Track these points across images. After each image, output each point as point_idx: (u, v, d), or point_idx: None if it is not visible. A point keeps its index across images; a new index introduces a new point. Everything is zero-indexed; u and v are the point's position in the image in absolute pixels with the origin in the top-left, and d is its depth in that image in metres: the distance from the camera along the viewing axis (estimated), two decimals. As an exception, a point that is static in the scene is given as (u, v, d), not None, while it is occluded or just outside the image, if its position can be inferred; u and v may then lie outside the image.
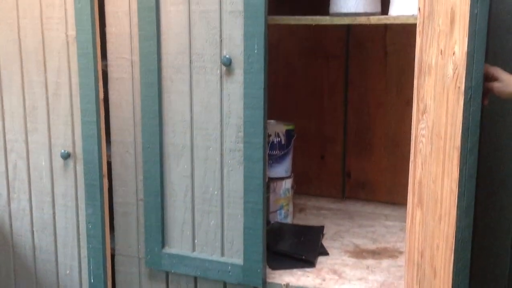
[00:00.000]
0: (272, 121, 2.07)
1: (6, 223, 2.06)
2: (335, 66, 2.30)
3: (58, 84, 1.88)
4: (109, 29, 1.82)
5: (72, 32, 1.81)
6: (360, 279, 1.74)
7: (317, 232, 2.02)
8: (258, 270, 1.73)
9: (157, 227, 1.84)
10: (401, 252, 1.89)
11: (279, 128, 2.08)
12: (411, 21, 1.60)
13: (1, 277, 2.10)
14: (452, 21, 1.28)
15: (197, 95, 1.73)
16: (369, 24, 1.71)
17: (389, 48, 2.20)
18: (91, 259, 1.92)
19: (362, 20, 1.70)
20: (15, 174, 2.01)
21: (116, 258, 1.96)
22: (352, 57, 2.27)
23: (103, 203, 1.88)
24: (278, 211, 2.09)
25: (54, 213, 1.98)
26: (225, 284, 1.81)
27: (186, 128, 1.77)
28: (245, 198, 1.72)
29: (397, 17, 1.67)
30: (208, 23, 1.68)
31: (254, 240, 1.72)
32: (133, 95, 1.83)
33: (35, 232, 2.03)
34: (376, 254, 1.89)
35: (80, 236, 1.95)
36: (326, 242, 1.96)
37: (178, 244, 1.85)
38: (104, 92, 1.85)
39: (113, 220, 1.94)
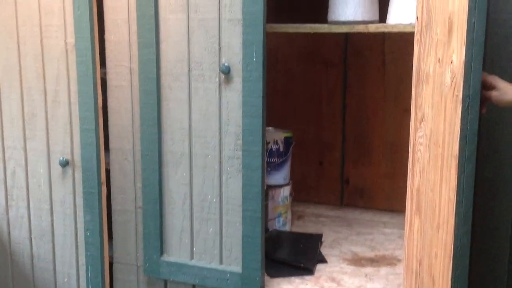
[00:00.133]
0: (270, 128, 2.07)
1: (4, 231, 2.06)
2: (333, 73, 2.31)
3: (57, 91, 1.88)
4: (108, 37, 1.83)
5: (71, 40, 1.82)
6: (359, 287, 1.73)
7: (316, 239, 2.02)
8: (257, 278, 1.73)
9: (156, 234, 1.84)
10: (399, 260, 1.89)
11: (277, 136, 2.08)
12: (409, 29, 1.61)
13: (-1, 284, 2.10)
14: (449, 30, 1.28)
15: (195, 103, 1.74)
16: (367, 32, 1.72)
17: (387, 56, 2.21)
18: (89, 267, 1.91)
19: (360, 28, 1.71)
20: (14, 182, 2.01)
21: (115, 266, 1.96)
22: (351, 64, 2.28)
23: (101, 210, 1.88)
24: (276, 219, 2.09)
25: (52, 220, 1.98)
26: (223, 292, 1.81)
27: (184, 135, 1.77)
28: (243, 206, 1.72)
29: (395, 25, 1.68)
30: (207, 31, 1.68)
31: (252, 248, 1.72)
32: (132, 102, 1.83)
33: (33, 240, 2.02)
34: (374, 261, 1.89)
35: (78, 244, 1.95)
36: (324, 250, 1.96)
37: (177, 252, 1.84)
38: (103, 99, 1.85)
39: (111, 228, 1.94)
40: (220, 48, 1.68)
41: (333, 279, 1.78)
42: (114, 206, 1.92)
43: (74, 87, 1.84)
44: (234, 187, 1.73)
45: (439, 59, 1.34)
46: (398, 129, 2.22)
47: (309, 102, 2.36)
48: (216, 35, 1.67)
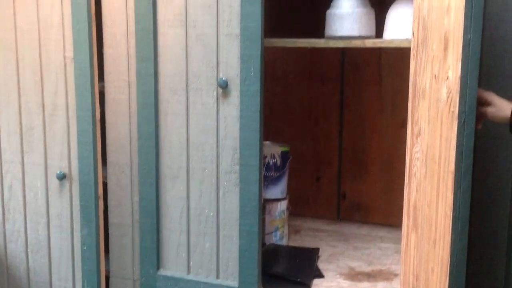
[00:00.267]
0: (267, 142, 2.08)
1: (1, 244, 2.05)
2: (330, 88, 2.32)
3: (55, 105, 1.88)
4: (106, 51, 1.84)
5: (69, 53, 1.82)
6: (356, 302, 1.73)
7: (313, 254, 2.01)
8: (253, 293, 1.72)
9: (152, 248, 1.84)
10: (396, 275, 1.88)
11: (274, 150, 2.09)
12: (405, 44, 1.62)
13: (-6, 298, 2.09)
14: (445, 47, 1.30)
15: (193, 116, 1.74)
16: (364, 48, 1.73)
17: (384, 71, 2.22)
18: (85, 281, 1.91)
19: (357, 43, 1.72)
20: (11, 195, 2.01)
21: (111, 280, 1.95)
22: (347, 79, 2.29)
23: (98, 224, 1.87)
24: (273, 233, 2.08)
25: (49, 234, 1.98)
26: (220, 307, 1.80)
27: (182, 149, 1.78)
28: (240, 220, 1.72)
29: (392, 40, 1.69)
30: (205, 45, 1.69)
31: (249, 263, 1.72)
32: (129, 116, 1.84)
33: (29, 253, 2.02)
34: (371, 276, 1.89)
35: (75, 258, 1.94)
36: (321, 265, 1.96)
37: (173, 266, 1.84)
38: (100, 113, 1.85)
39: (108, 242, 1.94)
40: (218, 63, 1.69)
41: (330, 294, 1.78)
42: (111, 220, 1.92)
43: (72, 101, 1.85)
44: (231, 201, 1.73)
45: (435, 75, 1.35)
46: (394, 144, 2.22)
47: (306, 116, 2.37)
48: (214, 50, 1.68)
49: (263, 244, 1.95)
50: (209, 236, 1.78)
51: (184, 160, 1.78)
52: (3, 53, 1.92)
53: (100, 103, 1.85)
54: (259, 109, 1.65)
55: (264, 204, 2.02)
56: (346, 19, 1.75)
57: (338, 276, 1.89)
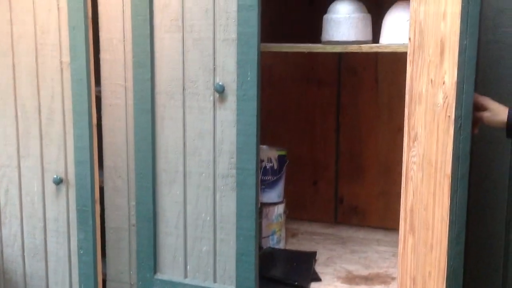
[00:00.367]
0: (264, 146, 2.08)
1: (-3, 249, 2.05)
2: (327, 92, 2.32)
3: (51, 109, 1.88)
4: (103, 56, 1.84)
5: (66, 58, 1.82)
6: (353, 305, 1.73)
7: (310, 257, 2.02)
8: (251, 297, 1.72)
9: (149, 253, 1.84)
10: (393, 278, 1.89)
11: (271, 154, 2.09)
12: (401, 49, 1.63)
13: (-9, 303, 2.09)
14: (442, 52, 1.30)
15: (190, 121, 1.75)
16: (361, 52, 1.74)
17: (380, 75, 2.23)
18: (82, 285, 1.90)
19: (354, 48, 1.73)
20: (7, 199, 2.00)
21: (108, 284, 1.95)
22: (344, 84, 2.29)
23: (95, 228, 1.87)
24: (270, 237, 2.09)
25: (45, 238, 1.97)
26: (217, 311, 1.80)
27: (179, 154, 1.78)
28: (237, 224, 1.72)
29: (388, 45, 1.69)
30: (201, 50, 1.69)
31: (246, 266, 1.72)
32: (126, 121, 1.84)
33: (26, 258, 2.02)
34: (368, 280, 1.89)
35: (72, 262, 1.94)
36: (318, 268, 1.96)
37: (170, 271, 1.84)
38: (97, 117, 1.86)
39: (105, 246, 1.94)
40: (214, 67, 1.69)
41: (327, 298, 1.78)
42: (107, 224, 1.92)
43: (68, 105, 1.85)
44: (228, 205, 1.74)
45: (432, 80, 1.35)
46: (391, 148, 2.23)
47: (303, 120, 2.37)
48: (211, 55, 1.69)
49: (260, 247, 1.96)
50: (206, 240, 1.78)
51: (181, 164, 1.78)
52: (0, 58, 1.92)
53: (96, 107, 1.85)
54: (255, 114, 1.65)
55: (261, 208, 2.03)
56: (343, 24, 1.75)
57: (335, 279, 1.89)
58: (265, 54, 1.71)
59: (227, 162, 1.72)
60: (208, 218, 1.77)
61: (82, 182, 1.86)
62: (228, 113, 1.69)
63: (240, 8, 1.61)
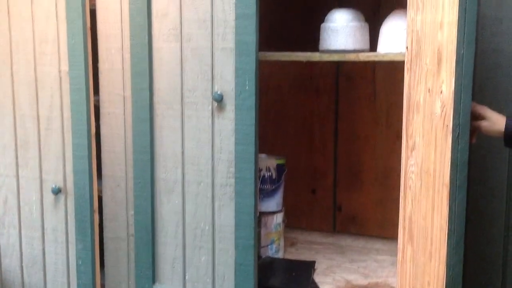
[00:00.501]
0: (263, 155, 2.08)
1: (-5, 259, 2.05)
2: (325, 101, 2.33)
3: (50, 118, 1.88)
4: (101, 65, 1.84)
5: (65, 68, 1.83)
6: (352, 315, 1.73)
7: (309, 267, 2.01)
8: (250, 306, 1.72)
9: (148, 262, 1.83)
10: None
11: (270, 163, 2.09)
12: (399, 58, 1.63)
13: (-11, 313, 2.08)
14: (439, 61, 1.31)
15: (188, 130, 1.75)
16: (358, 61, 1.74)
17: (378, 83, 2.23)
18: (80, 296, 1.90)
19: (351, 57, 1.73)
20: (5, 209, 2.00)
21: (106, 294, 1.95)
22: (342, 92, 2.30)
23: (93, 238, 1.87)
24: (269, 246, 2.08)
25: (44, 248, 1.97)
26: (216, 321, 1.80)
27: (177, 163, 1.78)
28: (236, 233, 1.72)
29: (385, 54, 1.70)
30: (200, 60, 1.70)
31: (245, 276, 1.72)
32: (124, 130, 1.84)
33: (24, 268, 2.01)
34: (367, 289, 1.89)
35: (70, 272, 1.94)
36: (317, 278, 1.96)
37: (169, 281, 1.83)
38: (95, 126, 1.86)
39: (103, 256, 1.93)
40: (213, 77, 1.69)
41: (326, 307, 1.78)
42: (106, 234, 1.92)
43: (67, 114, 1.85)
44: (226, 215, 1.73)
45: (429, 89, 1.36)
46: (389, 156, 2.23)
47: (301, 129, 2.38)
48: (209, 64, 1.69)
49: (259, 257, 1.95)
50: (205, 250, 1.78)
51: (180, 173, 1.78)
52: (-2, 67, 1.93)
53: (95, 117, 1.85)
54: (254, 123, 1.65)
55: (260, 217, 2.02)
56: (341, 33, 1.75)
57: (334, 289, 1.89)
58: (263, 63, 1.72)
59: (225, 171, 1.72)
60: (207, 228, 1.77)
61: (80, 191, 1.86)
62: (226, 122, 1.69)
63: (238, 17, 1.62)
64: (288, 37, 2.28)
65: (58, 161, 1.89)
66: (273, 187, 2.09)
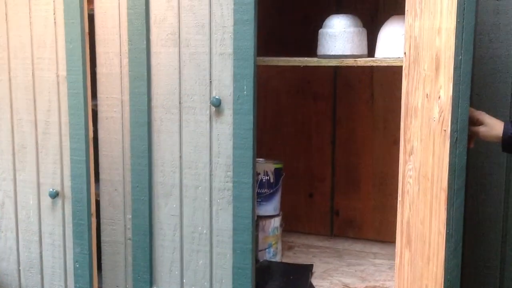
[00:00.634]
0: (261, 159, 2.08)
1: (-8, 263, 2.04)
2: (322, 105, 2.33)
3: (47, 123, 1.88)
4: (99, 70, 1.84)
5: (62, 72, 1.83)
6: (350, 319, 1.73)
7: (306, 270, 2.02)
8: (247, 311, 1.72)
9: (145, 266, 1.83)
10: (390, 291, 1.89)
11: (267, 167, 2.09)
12: (397, 63, 1.64)
13: (-15, 317, 2.07)
14: (437, 67, 1.31)
15: (186, 135, 1.75)
16: (356, 66, 1.75)
17: (376, 88, 2.24)
18: (78, 299, 1.90)
19: (349, 62, 1.74)
20: (3, 213, 2.00)
21: (104, 298, 1.94)
22: (340, 96, 2.30)
23: (91, 242, 1.87)
24: (267, 250, 2.08)
25: (41, 252, 1.97)
26: (213, 325, 1.80)
27: (175, 167, 1.78)
28: (234, 237, 1.72)
29: (384, 59, 1.71)
30: (198, 64, 1.70)
31: (243, 280, 1.72)
32: (122, 134, 1.84)
33: (21, 271, 2.01)
34: (365, 293, 1.89)
35: (67, 276, 1.93)
36: (315, 281, 1.96)
37: (167, 284, 1.83)
38: (93, 131, 1.86)
39: (100, 259, 1.93)
40: (211, 81, 1.70)
41: (323, 311, 1.78)
42: (103, 238, 1.91)
43: (65, 119, 1.85)
44: (224, 219, 1.74)
45: (427, 94, 1.36)
46: (387, 161, 2.24)
47: (299, 134, 2.38)
48: (207, 69, 1.69)
49: (256, 260, 1.95)
50: (203, 254, 1.78)
51: (177, 177, 1.78)
52: (-4, 71, 1.93)
53: (93, 121, 1.85)
54: (252, 127, 1.66)
55: (258, 221, 2.03)
56: (339, 38, 1.76)
57: (332, 293, 1.89)
58: (261, 68, 1.72)
59: (223, 175, 1.72)
60: (205, 231, 1.77)
61: (78, 195, 1.85)
62: (224, 126, 1.70)
63: (236, 22, 1.62)
64: (286, 42, 2.29)
65: (56, 165, 1.89)
66: (271, 191, 2.09)
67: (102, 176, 1.89)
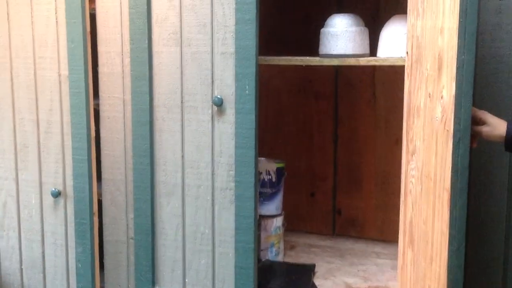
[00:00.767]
0: (262, 159, 2.08)
1: (-5, 262, 2.05)
2: (324, 104, 2.33)
3: (49, 122, 1.88)
4: (101, 69, 1.84)
5: (64, 72, 1.83)
6: (352, 318, 1.73)
7: (309, 270, 2.01)
8: (250, 310, 1.72)
9: (148, 266, 1.83)
10: (392, 291, 1.89)
11: (269, 166, 2.09)
12: (399, 63, 1.64)
13: (-12, 317, 2.08)
14: (439, 66, 1.31)
15: (188, 134, 1.75)
16: (358, 65, 1.75)
17: (377, 88, 2.23)
18: (80, 299, 1.90)
19: (351, 61, 1.73)
20: (5, 212, 2.00)
21: (106, 297, 1.94)
22: (341, 96, 2.30)
23: (93, 241, 1.87)
24: (269, 249, 2.08)
25: (43, 251, 1.97)
26: (216, 324, 1.80)
27: (177, 166, 1.78)
28: (236, 237, 1.72)
29: (386, 59, 1.70)
30: (200, 64, 1.70)
31: (245, 280, 1.72)
32: (124, 133, 1.84)
33: (24, 270, 2.01)
34: (367, 293, 1.89)
35: (70, 275, 1.94)
36: (317, 281, 1.96)
37: (169, 284, 1.83)
38: (95, 130, 1.86)
39: (103, 259, 1.93)
40: (213, 81, 1.69)
41: (326, 311, 1.78)
42: (105, 237, 1.92)
43: (67, 118, 1.85)
44: (226, 218, 1.74)
45: (430, 94, 1.36)
46: (389, 160, 2.23)
47: (300, 133, 2.38)
48: (209, 68, 1.69)
49: (258, 260, 1.96)
50: (205, 253, 1.78)
51: (180, 177, 1.78)
52: (-2, 71, 1.93)
53: (95, 120, 1.85)
54: (254, 127, 1.65)
55: (260, 220, 2.02)
56: (340, 37, 1.76)
57: (334, 292, 1.89)
58: (262, 67, 1.72)
59: (225, 174, 1.72)
60: (207, 231, 1.77)
61: (80, 195, 1.86)
62: (226, 126, 1.69)
63: (238, 21, 1.62)
64: (287, 41, 2.28)
65: (58, 165, 1.89)
66: (273, 190, 2.09)
67: (104, 175, 1.89)
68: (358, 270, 2.05)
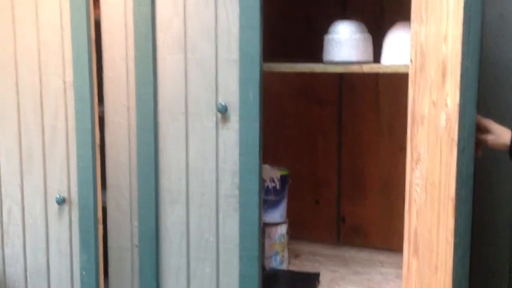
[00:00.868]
0: (266, 166, 2.07)
1: (0, 268, 2.04)
2: (328, 111, 2.32)
3: (54, 128, 1.89)
4: (106, 75, 1.84)
5: (69, 78, 1.83)
6: (356, 327, 1.72)
7: (313, 279, 2.00)
8: (253, 318, 1.71)
9: (152, 273, 1.83)
10: (397, 300, 1.87)
11: (273, 173, 2.08)
12: (403, 70, 1.63)
13: (-8, 323, 2.08)
14: (443, 74, 1.30)
15: (192, 141, 1.75)
16: (362, 72, 1.74)
17: (382, 94, 2.23)
18: (84, 306, 1.90)
19: (355, 68, 1.73)
20: (10, 219, 2.00)
21: (110, 305, 1.94)
22: (345, 102, 2.29)
23: (97, 249, 1.87)
24: (273, 257, 2.07)
25: (48, 258, 1.97)
26: (219, 333, 1.79)
27: (181, 174, 1.77)
28: (240, 245, 1.71)
29: (389, 66, 1.70)
30: (204, 71, 1.70)
31: (249, 288, 1.71)
32: (129, 140, 1.84)
33: (28, 278, 2.01)
34: (372, 302, 1.88)
35: (74, 283, 1.93)
36: (321, 289, 1.95)
37: (173, 291, 1.83)
38: (100, 136, 1.86)
39: (107, 266, 1.93)
40: (217, 88, 1.69)
41: (330, 319, 1.77)
42: (110, 244, 1.91)
43: (71, 124, 1.85)
44: (231, 226, 1.73)
45: (434, 102, 1.35)
46: (393, 167, 2.22)
47: (304, 140, 2.37)
48: (213, 75, 1.69)
49: (263, 268, 1.95)
50: (209, 261, 1.77)
51: (184, 184, 1.78)
52: (3, 77, 1.93)
53: (99, 126, 1.85)
54: (258, 134, 1.65)
55: (264, 228, 2.02)
56: (344, 44, 1.76)
57: (338, 301, 1.88)
58: (266, 73, 1.72)
59: (229, 182, 1.71)
60: (211, 239, 1.76)
61: (85, 201, 1.86)
62: (230, 133, 1.69)
63: (242, 28, 1.62)
64: (290, 47, 2.28)
65: (62, 171, 1.90)
66: (277, 198, 2.08)
67: (108, 182, 1.89)
68: (362, 279, 2.04)
